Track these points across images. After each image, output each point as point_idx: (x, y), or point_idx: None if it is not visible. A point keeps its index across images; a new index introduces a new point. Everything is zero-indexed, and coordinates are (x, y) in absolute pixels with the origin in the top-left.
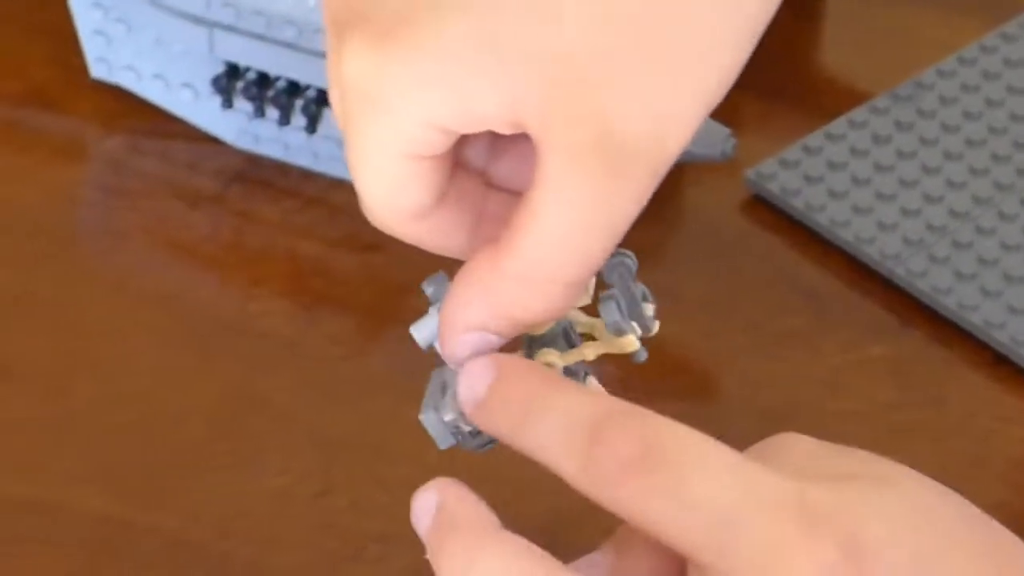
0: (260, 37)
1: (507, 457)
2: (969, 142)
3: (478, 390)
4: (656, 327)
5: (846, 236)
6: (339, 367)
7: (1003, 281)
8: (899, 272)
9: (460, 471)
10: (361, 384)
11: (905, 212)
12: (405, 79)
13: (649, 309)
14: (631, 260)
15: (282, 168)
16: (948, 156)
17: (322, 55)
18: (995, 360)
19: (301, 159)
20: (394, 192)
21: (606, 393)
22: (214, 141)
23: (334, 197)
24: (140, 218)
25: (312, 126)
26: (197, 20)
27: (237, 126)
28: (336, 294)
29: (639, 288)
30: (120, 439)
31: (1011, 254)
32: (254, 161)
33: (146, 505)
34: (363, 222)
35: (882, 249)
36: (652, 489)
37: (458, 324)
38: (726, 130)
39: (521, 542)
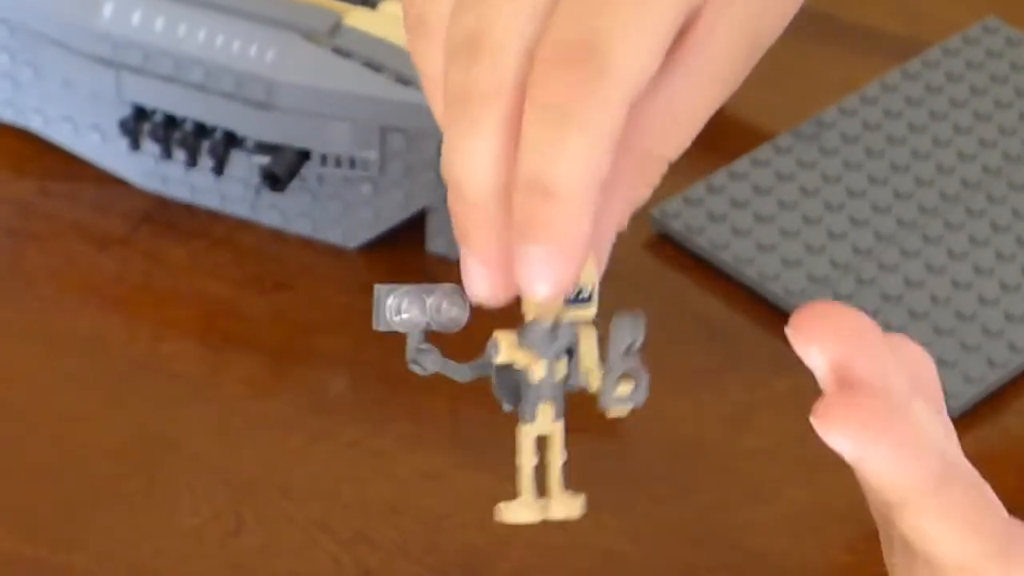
0: (167, 79)
1: (424, 490)
2: (872, 179)
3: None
4: (627, 408)
5: (750, 273)
6: (249, 407)
7: (907, 317)
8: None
9: (374, 505)
10: (271, 424)
11: (809, 249)
12: None
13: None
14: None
15: (190, 209)
16: (851, 193)
17: (229, 96)
18: None
19: (208, 200)
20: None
21: None
22: (122, 183)
23: (242, 238)
24: (49, 261)
25: (219, 167)
26: (105, 62)
27: (145, 168)
28: (245, 334)
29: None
30: (31, 479)
31: (913, 290)
32: (162, 203)
33: (57, 545)
34: (271, 262)
35: (786, 286)
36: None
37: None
38: None
39: None
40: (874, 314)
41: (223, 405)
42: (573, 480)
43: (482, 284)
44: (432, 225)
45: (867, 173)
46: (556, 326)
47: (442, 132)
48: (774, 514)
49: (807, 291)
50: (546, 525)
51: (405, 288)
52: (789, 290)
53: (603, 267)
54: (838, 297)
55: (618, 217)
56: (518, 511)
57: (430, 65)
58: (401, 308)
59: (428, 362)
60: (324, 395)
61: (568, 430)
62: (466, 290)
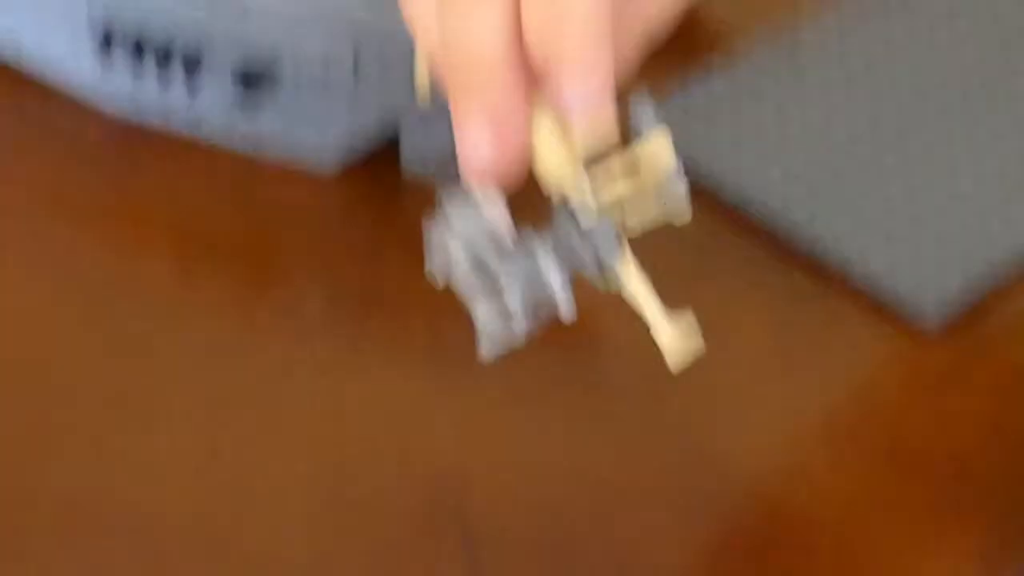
0: None
1: (401, 409)
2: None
3: None
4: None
5: (722, 180)
6: (224, 326)
7: (883, 212)
8: (781, 222)
9: (350, 424)
10: (246, 343)
11: (785, 150)
12: None
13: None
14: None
15: (163, 130)
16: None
17: (200, 9)
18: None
19: (182, 121)
20: None
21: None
22: (95, 105)
23: (216, 159)
24: (23, 179)
25: (192, 88)
26: None
27: (117, 89)
28: (219, 254)
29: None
30: (1, 400)
31: (888, 183)
32: (135, 124)
33: (32, 468)
34: (246, 183)
35: (760, 189)
36: None
37: None
38: None
39: None
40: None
41: (198, 325)
42: (548, 389)
43: (486, 147)
44: (407, 144)
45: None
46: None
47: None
48: (750, 420)
49: (783, 193)
50: (523, 442)
51: (448, 223)
52: (759, 193)
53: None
54: (813, 193)
55: (634, 38)
56: (681, 344)
57: None
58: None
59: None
60: (300, 314)
61: (543, 342)
62: (467, 161)
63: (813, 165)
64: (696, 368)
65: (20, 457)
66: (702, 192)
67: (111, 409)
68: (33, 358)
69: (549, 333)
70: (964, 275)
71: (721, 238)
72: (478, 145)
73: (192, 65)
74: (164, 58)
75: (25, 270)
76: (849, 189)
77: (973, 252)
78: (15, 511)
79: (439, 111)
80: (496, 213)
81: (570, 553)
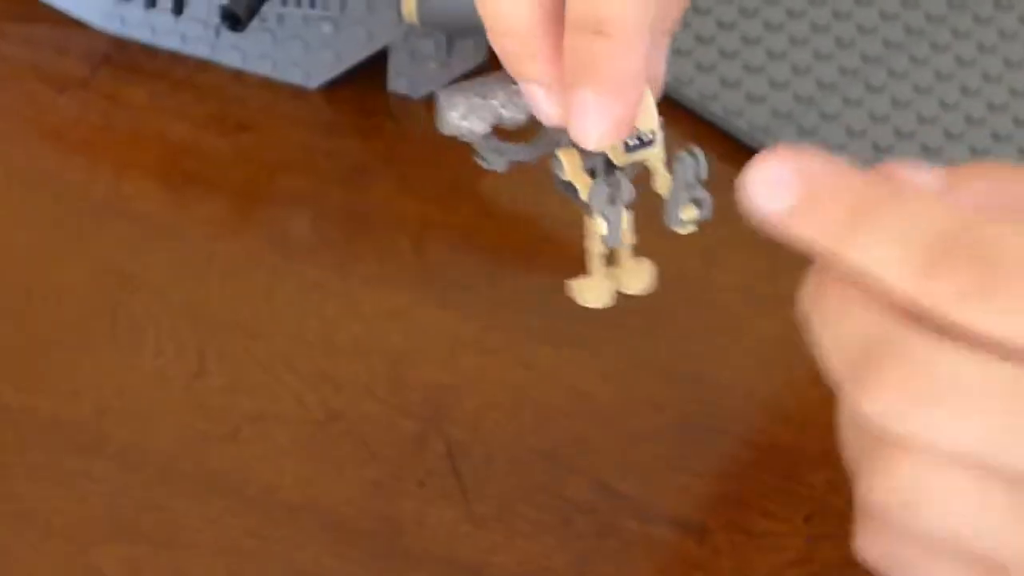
0: None
1: (388, 329)
2: (836, 13)
3: (785, 200)
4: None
5: (715, 109)
6: (211, 247)
7: (872, 151)
8: (769, 144)
9: (338, 344)
10: (234, 264)
11: (773, 84)
12: None
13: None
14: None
15: (149, 51)
16: (793, 41)
17: None
18: None
19: (168, 41)
20: None
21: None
22: (80, 25)
23: (202, 79)
24: (8, 103)
25: (179, 7)
26: None
27: (103, 9)
28: (207, 175)
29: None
30: None
31: (879, 125)
32: (121, 44)
33: (21, 387)
34: (232, 103)
35: (751, 121)
36: (988, 315)
37: None
38: None
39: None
40: (840, 149)
41: (185, 245)
42: (535, 313)
43: (549, 107)
44: (393, 64)
45: (832, 7)
46: (613, 174)
47: None
48: (742, 348)
49: (771, 127)
50: (512, 361)
51: (465, 92)
52: (754, 125)
53: (659, 92)
54: (802, 132)
55: (663, 48)
56: (589, 289)
57: None
58: (465, 116)
59: (495, 161)
60: (287, 235)
61: (532, 265)
62: (537, 114)
63: (799, 87)
64: (688, 296)
65: (6, 377)
66: (692, 117)
67: (98, 330)
68: (21, 280)
69: (538, 256)
70: None
71: (711, 164)
72: (541, 105)
73: None
74: None
75: (11, 193)
76: (835, 106)
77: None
78: (0, 433)
79: (424, 30)
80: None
81: (551, 469)
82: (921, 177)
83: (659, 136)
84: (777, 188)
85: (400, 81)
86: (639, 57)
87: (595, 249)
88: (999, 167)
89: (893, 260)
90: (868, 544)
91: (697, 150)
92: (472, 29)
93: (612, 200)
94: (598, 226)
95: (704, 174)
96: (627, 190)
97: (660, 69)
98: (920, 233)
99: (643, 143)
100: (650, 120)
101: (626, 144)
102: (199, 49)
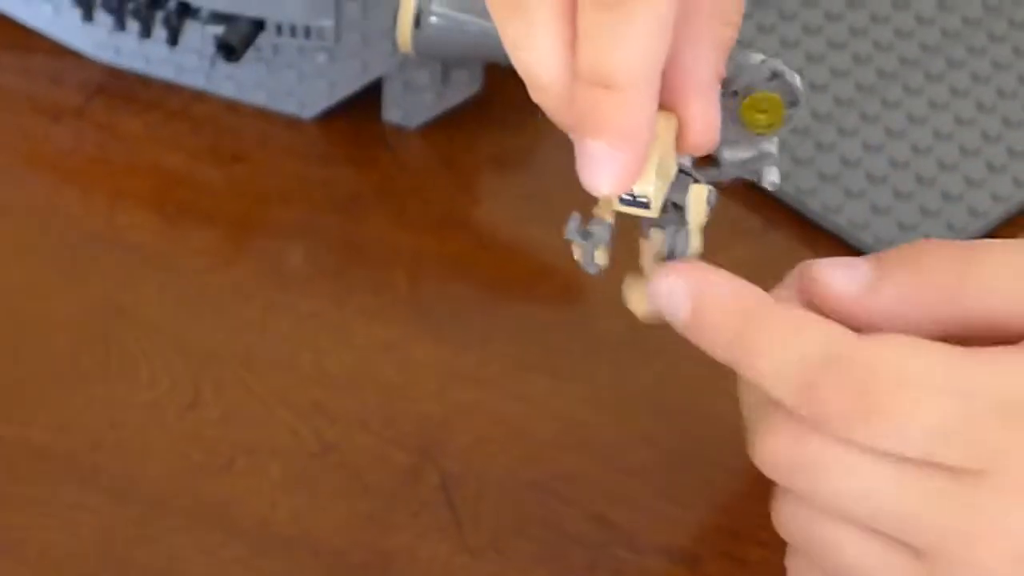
0: None
1: (383, 361)
2: (831, 44)
3: (682, 314)
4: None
5: None
6: (206, 278)
7: (866, 181)
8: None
9: (332, 377)
10: (228, 295)
11: None
12: None
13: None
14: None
15: (144, 81)
16: (810, 58)
17: None
18: None
19: (163, 71)
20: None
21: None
22: (75, 55)
23: (197, 109)
24: (1, 132)
25: (174, 38)
26: None
27: (98, 39)
28: (201, 206)
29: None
30: None
31: (873, 155)
32: (116, 74)
33: (13, 418)
34: (226, 133)
35: None
36: (868, 437)
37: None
38: None
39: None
40: (834, 179)
41: (180, 277)
42: (529, 344)
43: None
44: (388, 94)
45: (826, 37)
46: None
47: (497, 27)
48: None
49: (784, 141)
50: (506, 393)
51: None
52: None
53: (716, 126)
54: (797, 162)
55: (714, 65)
56: (634, 290)
57: None
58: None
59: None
60: (282, 266)
61: (527, 297)
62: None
63: (814, 102)
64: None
65: (5, 407)
66: None
67: (92, 361)
68: (14, 311)
69: (533, 288)
70: (970, 209)
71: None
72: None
73: (173, 18)
74: (146, 8)
75: (4, 222)
76: (853, 122)
77: (979, 184)
78: None
79: (419, 60)
80: None
81: (545, 501)
82: (841, 278)
83: (656, 204)
84: (673, 300)
85: (395, 111)
86: (647, 108)
87: (647, 261)
88: (925, 248)
89: (778, 378)
90: (776, 512)
91: (711, 188)
92: (467, 59)
93: (584, 236)
94: (598, 257)
95: (714, 204)
96: (606, 234)
97: (710, 79)
98: (798, 356)
99: (635, 201)
100: (647, 184)
101: (620, 197)
102: (194, 79)
